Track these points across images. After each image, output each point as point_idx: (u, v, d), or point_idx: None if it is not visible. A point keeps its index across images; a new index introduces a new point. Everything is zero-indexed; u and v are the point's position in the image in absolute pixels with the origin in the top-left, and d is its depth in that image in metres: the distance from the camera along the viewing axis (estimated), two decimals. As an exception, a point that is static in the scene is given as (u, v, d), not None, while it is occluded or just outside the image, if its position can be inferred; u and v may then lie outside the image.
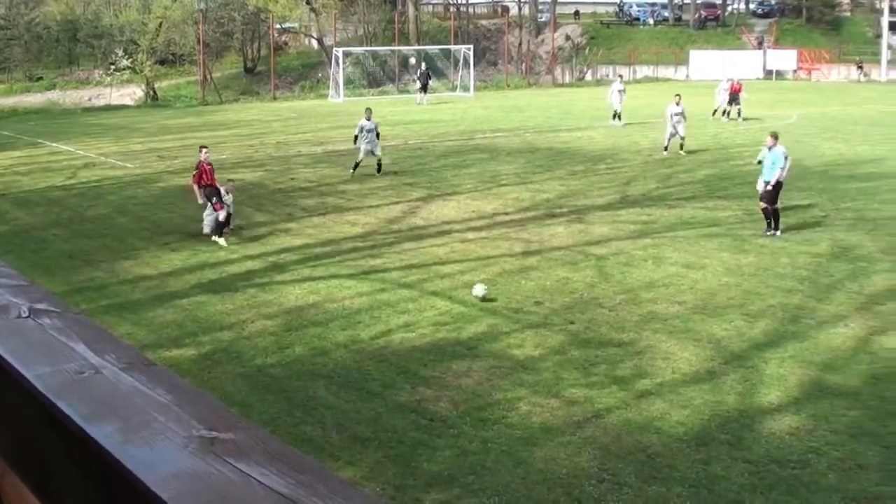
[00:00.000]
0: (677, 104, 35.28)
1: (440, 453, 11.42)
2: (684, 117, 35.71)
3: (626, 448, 11.60)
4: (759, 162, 22.97)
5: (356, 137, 30.99)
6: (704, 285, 18.64)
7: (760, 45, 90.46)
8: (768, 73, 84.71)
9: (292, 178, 31.09)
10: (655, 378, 13.86)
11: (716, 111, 47.93)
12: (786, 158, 22.82)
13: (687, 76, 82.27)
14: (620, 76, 52.28)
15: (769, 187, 22.47)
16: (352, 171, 30.94)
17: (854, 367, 14.53)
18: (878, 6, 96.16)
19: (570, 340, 15.42)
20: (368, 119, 30.60)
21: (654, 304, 17.34)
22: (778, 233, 22.58)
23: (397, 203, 26.81)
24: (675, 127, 35.10)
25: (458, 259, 20.53)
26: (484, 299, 16.94)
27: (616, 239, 22.31)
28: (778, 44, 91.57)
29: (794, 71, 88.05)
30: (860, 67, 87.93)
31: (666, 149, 35.24)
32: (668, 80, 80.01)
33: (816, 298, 17.87)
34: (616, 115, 45.23)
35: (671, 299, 17.69)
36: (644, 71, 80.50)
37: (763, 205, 22.73)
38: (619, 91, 45.21)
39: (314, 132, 43.65)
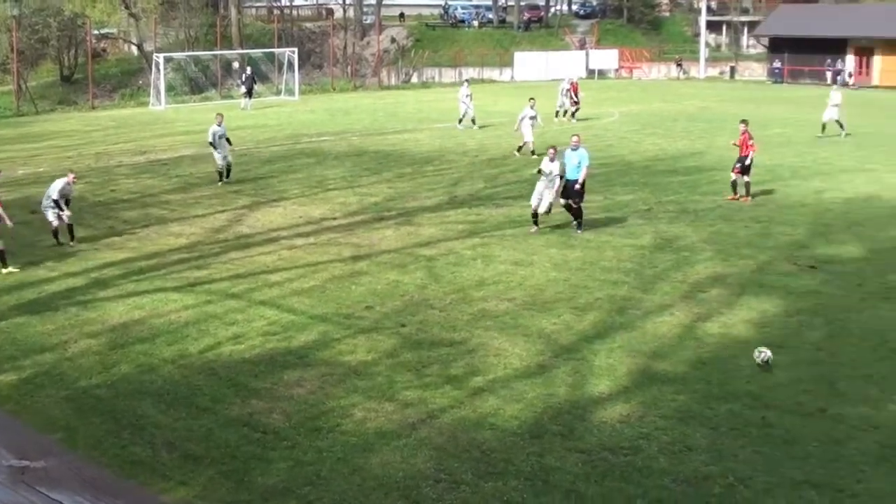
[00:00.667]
0: (531, 107, 35.65)
1: (275, 466, 11.23)
2: (538, 120, 36.15)
3: (461, 446, 11.63)
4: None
5: (211, 144, 30.32)
6: (533, 281, 18.87)
7: (583, 45, 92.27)
8: (591, 73, 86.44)
9: (113, 190, 30.17)
10: (488, 375, 13.94)
11: (558, 112, 48.39)
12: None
13: (512, 77, 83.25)
14: (467, 81, 52.26)
15: (577, 186, 22.70)
16: (219, 182, 30.32)
17: (680, 353, 14.93)
18: (696, 6, 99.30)
19: (402, 343, 15.38)
20: (220, 125, 30.05)
21: (485, 303, 17.46)
22: (580, 231, 22.92)
23: (223, 212, 26.33)
24: (531, 129, 35.26)
25: (287, 267, 20.27)
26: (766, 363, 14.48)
27: (445, 240, 22.40)
28: (600, 44, 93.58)
29: (616, 70, 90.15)
30: (680, 65, 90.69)
31: (533, 152, 35.06)
32: (493, 81, 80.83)
33: (642, 289, 18.30)
34: (462, 120, 45.14)
35: (501, 297, 17.85)
36: (469, 73, 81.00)
37: (565, 202, 22.99)
38: (467, 96, 45.16)
39: (136, 141, 42.48)
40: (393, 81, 78.39)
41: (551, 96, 50.18)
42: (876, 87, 76.58)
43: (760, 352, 14.31)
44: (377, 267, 20.09)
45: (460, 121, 45.18)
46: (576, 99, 48.14)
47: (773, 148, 37.25)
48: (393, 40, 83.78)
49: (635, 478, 10.78)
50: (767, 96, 63.64)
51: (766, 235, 22.93)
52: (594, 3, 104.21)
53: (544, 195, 22.84)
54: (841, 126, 41.22)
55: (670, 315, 16.81)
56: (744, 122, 27.76)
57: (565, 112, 48.33)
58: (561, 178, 22.66)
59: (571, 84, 48.71)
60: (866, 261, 20.72)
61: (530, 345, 15.23)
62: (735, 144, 27.72)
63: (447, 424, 12.26)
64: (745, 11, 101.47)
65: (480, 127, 44.44)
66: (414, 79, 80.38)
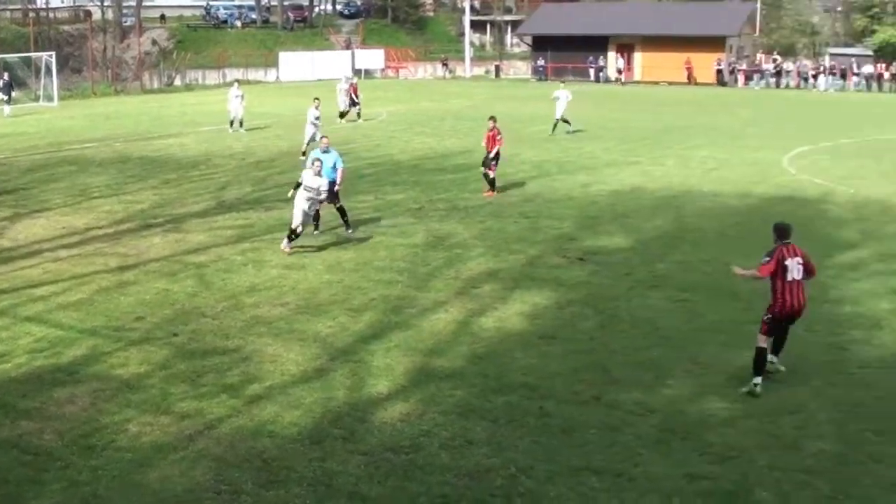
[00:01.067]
0: (316, 108, 35.24)
1: (48, 488, 10.66)
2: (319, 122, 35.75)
3: (241, 456, 11.36)
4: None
5: None
6: (306, 285, 18.68)
7: (349, 45, 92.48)
8: (357, 73, 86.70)
9: None
10: (265, 382, 13.68)
11: (342, 113, 48.06)
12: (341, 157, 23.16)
13: (277, 78, 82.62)
14: (237, 81, 50.98)
15: (336, 188, 22.56)
16: None
17: (456, 349, 15.07)
18: (459, 6, 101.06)
19: (175, 353, 14.92)
20: None
21: (258, 309, 17.16)
22: (350, 231, 22.88)
23: (-21, 225, 24.99)
24: (315, 132, 34.76)
25: (52, 280, 19.35)
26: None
27: (215, 246, 21.91)
28: (365, 44, 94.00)
29: (383, 70, 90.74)
30: (445, 65, 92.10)
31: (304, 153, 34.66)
32: (258, 82, 79.88)
33: (416, 287, 18.39)
34: (234, 122, 44.25)
35: (274, 302, 17.58)
36: (234, 74, 79.73)
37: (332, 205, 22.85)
38: (237, 97, 44.27)
39: None
40: (156, 85, 76.31)
41: (322, 96, 49.95)
42: (638, 82, 79.82)
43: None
44: (146, 276, 19.46)
45: (231, 123, 44.38)
46: (356, 100, 48.13)
47: (538, 144, 38.32)
48: (154, 42, 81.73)
49: (418, 475, 10.78)
50: (532, 94, 65.21)
51: (536, 230, 23.46)
52: (359, 3, 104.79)
53: (305, 215, 21.24)
54: (567, 122, 42.14)
55: (445, 312, 16.95)
56: (492, 118, 28.45)
57: (345, 113, 48.23)
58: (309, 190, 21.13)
59: (351, 85, 48.72)
60: (633, 251, 21.48)
61: (306, 349, 15.05)
62: (486, 142, 28.28)
63: (225, 434, 11.95)
64: (509, 10, 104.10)
65: (248, 130, 43.76)
66: (177, 81, 78.51)
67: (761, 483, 10.76)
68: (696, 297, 18.03)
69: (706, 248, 21.70)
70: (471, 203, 26.59)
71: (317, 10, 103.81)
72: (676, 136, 42.36)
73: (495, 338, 15.62)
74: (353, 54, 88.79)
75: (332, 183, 22.33)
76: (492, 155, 27.60)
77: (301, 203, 20.96)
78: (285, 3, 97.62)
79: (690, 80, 79.56)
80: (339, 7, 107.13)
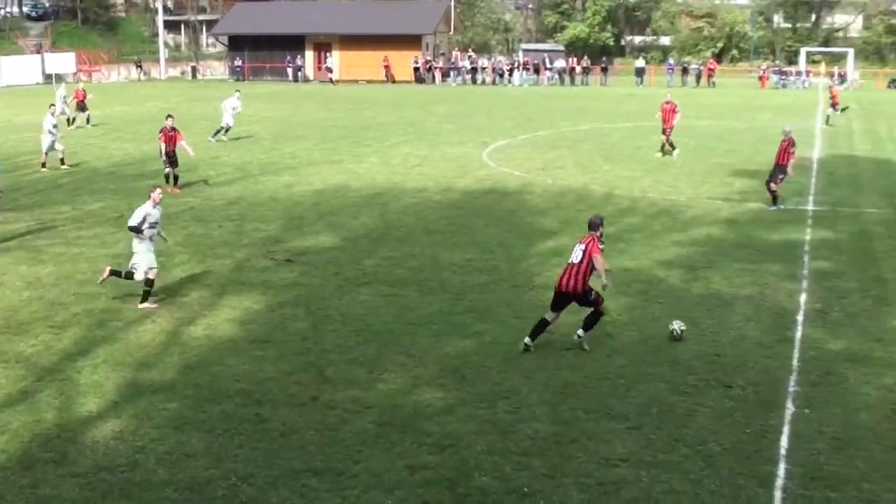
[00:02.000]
0: (52, 115, 33.42)
1: None
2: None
3: (-64, 491, 10.70)
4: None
5: None
6: (5, 303, 17.74)
7: (39, 49, 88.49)
8: (48, 77, 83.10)
9: None
10: (-38, 409, 12.94)
11: (69, 120, 46.03)
12: None
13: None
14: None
15: None
16: None
17: (167, 360, 14.73)
18: (152, 6, 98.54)
19: None
20: None
21: (-48, 331, 16.18)
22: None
23: None
24: (53, 140, 32.89)
25: None
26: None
27: None
28: (56, 47, 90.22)
29: (75, 73, 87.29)
30: (140, 66, 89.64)
31: (44, 165, 32.75)
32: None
33: (121, 299, 17.80)
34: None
35: (-29, 322, 16.64)
36: None
37: None
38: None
39: None
40: None
41: (16, 103, 47.76)
42: (337, 81, 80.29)
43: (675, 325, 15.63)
44: None
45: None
46: (84, 105, 46.79)
47: (241, 145, 37.94)
48: None
49: (136, 493, 10.48)
50: (228, 94, 64.23)
51: (241, 233, 23.26)
52: (46, 5, 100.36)
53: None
54: (224, 131, 40.93)
55: (152, 322, 16.53)
56: (170, 116, 28.97)
57: (73, 120, 46.35)
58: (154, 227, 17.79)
59: (76, 92, 47.16)
60: (341, 249, 21.66)
61: (10, 371, 14.30)
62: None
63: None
64: (203, 10, 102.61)
65: None
66: None
67: (480, 468, 11.12)
68: (405, 291, 18.39)
69: (413, 244, 22.16)
70: (172, 209, 25.97)
71: (2, 12, 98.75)
72: (377, 134, 43.00)
73: (206, 346, 15.38)
74: (42, 58, 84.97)
75: None
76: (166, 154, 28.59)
77: (147, 246, 17.59)
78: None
79: (389, 78, 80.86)
80: (25, 9, 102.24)
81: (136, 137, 42.17)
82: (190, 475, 10.99)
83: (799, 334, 16.04)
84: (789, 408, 12.98)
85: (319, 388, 13.58)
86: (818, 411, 12.86)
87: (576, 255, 14.75)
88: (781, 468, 11.23)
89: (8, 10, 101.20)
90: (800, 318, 16.91)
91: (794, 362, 14.72)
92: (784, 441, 11.96)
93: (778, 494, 10.66)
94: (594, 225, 15.04)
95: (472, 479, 10.89)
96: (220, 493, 10.58)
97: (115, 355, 14.86)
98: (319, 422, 12.41)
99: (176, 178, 28.89)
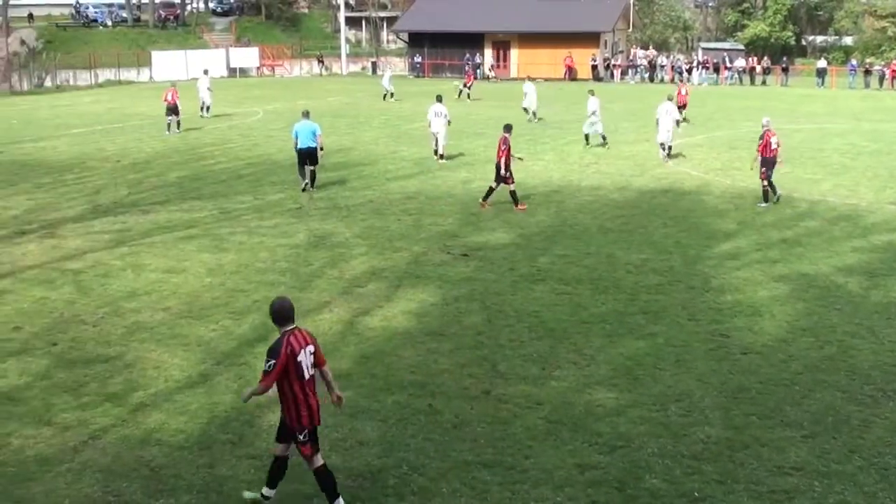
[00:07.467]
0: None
1: (-77, 507, 10.32)
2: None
3: (127, 465, 11.13)
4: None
5: None
6: (187, 289, 18.36)
7: (246, 43, 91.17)
8: (232, 72, 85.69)
9: None
10: (149, 389, 13.43)
11: (204, 109, 47.94)
12: None
13: (151, 77, 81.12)
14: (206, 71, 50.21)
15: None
16: None
17: (343, 349, 14.98)
18: (334, 2, 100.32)
19: (55, 363, 14.53)
20: None
21: (139, 314, 16.80)
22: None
23: None
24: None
25: (-79, 291, 18.69)
26: None
27: (91, 251, 21.39)
28: (240, 41, 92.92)
29: (258, 68, 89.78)
30: (321, 62, 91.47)
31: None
32: (131, 82, 78.44)
33: (300, 288, 18.22)
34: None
35: (155, 307, 17.24)
36: (106, 74, 78.30)
37: None
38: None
39: None
40: (25, 87, 74.23)
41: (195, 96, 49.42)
42: (514, 79, 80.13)
43: None
44: (22, 284, 18.91)
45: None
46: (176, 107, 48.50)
47: (418, 140, 38.27)
48: (23, 42, 79.53)
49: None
50: (409, 91, 65.18)
51: (418, 227, 23.48)
52: (232, 1, 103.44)
53: None
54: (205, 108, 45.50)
55: (330, 312, 16.85)
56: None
57: (208, 108, 47.95)
58: None
59: (167, 92, 48.77)
60: (516, 246, 21.63)
61: (190, 354, 14.81)
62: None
63: (111, 444, 11.69)
64: (384, 7, 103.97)
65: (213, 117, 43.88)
66: (48, 83, 76.54)
67: (651, 470, 10.96)
68: (579, 289, 18.25)
69: (588, 242, 21.98)
70: (352, 201, 26.48)
71: (189, 7, 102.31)
72: (553, 132, 42.77)
73: (382, 337, 15.59)
74: (227, 52, 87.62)
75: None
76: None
77: None
78: (156, 1, 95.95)
79: (570, 75, 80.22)
80: (212, 5, 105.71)
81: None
82: (363, 462, 11.15)
83: None
84: (981, 424, 12.39)
85: (492, 381, 13.60)
86: None
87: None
88: (971, 486, 10.71)
89: (195, 5, 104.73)
90: None
91: None
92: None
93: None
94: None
95: (643, 480, 10.73)
96: (391, 481, 10.69)
97: (292, 342, 15.15)
98: (491, 415, 12.43)
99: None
